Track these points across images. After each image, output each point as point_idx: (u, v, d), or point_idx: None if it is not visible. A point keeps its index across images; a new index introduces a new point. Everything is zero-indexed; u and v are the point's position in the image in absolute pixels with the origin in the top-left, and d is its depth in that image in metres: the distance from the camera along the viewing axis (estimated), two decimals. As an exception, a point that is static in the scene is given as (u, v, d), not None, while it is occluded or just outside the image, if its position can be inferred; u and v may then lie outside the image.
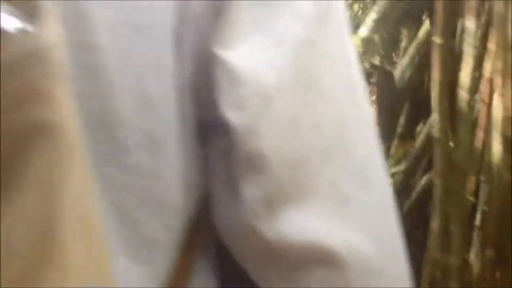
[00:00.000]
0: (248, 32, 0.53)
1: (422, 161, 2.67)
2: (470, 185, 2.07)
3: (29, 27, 0.34)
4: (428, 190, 2.69)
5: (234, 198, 0.55)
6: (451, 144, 2.09)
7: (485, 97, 2.01)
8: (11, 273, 0.33)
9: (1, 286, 0.32)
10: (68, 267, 0.35)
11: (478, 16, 1.92)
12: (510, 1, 1.90)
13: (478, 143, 2.05)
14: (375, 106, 2.65)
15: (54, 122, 0.35)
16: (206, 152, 0.56)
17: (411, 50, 2.62)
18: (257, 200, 0.55)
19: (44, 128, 0.35)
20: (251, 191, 0.54)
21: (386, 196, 0.59)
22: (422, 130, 2.69)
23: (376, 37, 2.33)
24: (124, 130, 0.52)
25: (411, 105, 2.74)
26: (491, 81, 1.99)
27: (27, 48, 0.34)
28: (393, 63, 2.49)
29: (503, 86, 1.92)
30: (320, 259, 0.55)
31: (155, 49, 0.52)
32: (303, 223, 0.55)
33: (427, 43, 2.60)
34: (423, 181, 2.69)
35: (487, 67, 1.99)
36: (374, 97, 2.67)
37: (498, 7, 1.93)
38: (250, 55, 0.53)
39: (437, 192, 2.10)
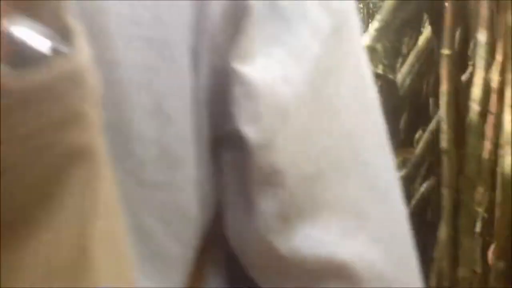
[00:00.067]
0: (265, 46, 0.54)
1: (421, 168, 2.69)
2: (479, 196, 2.07)
3: (63, 48, 0.34)
4: (427, 197, 2.71)
5: (248, 212, 0.55)
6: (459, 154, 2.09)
7: (493, 108, 2.01)
8: None
9: None
10: (100, 285, 0.36)
11: (489, 28, 1.93)
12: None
13: (486, 154, 2.05)
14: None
15: (90, 145, 0.36)
16: (219, 165, 0.56)
17: (411, 58, 2.63)
18: (272, 214, 0.55)
19: (82, 152, 0.35)
20: (266, 205, 0.54)
21: (400, 209, 0.60)
22: (421, 137, 2.70)
23: (379, 46, 2.32)
24: (141, 145, 0.52)
25: (410, 112, 2.75)
26: (499, 92, 2.00)
27: (64, 71, 0.34)
28: (396, 72, 2.49)
29: (512, 97, 1.93)
30: (334, 273, 0.55)
31: (173, 64, 0.52)
32: (317, 237, 0.55)
33: (426, 50, 2.61)
34: (423, 188, 2.70)
35: (495, 78, 2.00)
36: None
37: (507, 18, 1.94)
38: (267, 69, 0.53)
39: (445, 203, 2.11)
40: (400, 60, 2.60)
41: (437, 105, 2.83)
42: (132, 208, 0.52)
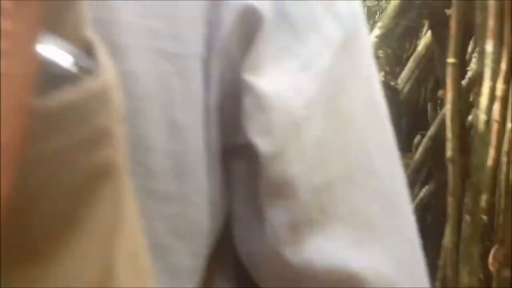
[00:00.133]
0: (277, 58, 0.53)
1: (421, 173, 2.70)
2: (484, 204, 2.09)
3: (89, 64, 0.34)
4: (427, 202, 2.73)
5: (258, 223, 0.55)
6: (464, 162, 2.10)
7: (497, 116, 2.03)
8: None
9: None
10: None
11: (497, 38, 1.94)
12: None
13: (490, 161, 2.06)
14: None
15: (116, 162, 0.36)
16: (229, 177, 0.55)
17: (411, 63, 2.64)
18: (282, 225, 0.54)
19: (108, 169, 0.35)
20: (277, 216, 0.54)
21: (410, 219, 0.59)
22: (420, 143, 2.72)
23: (380, 53, 2.33)
24: (154, 157, 0.52)
25: (408, 117, 2.77)
26: (503, 100, 2.01)
27: (92, 90, 0.33)
28: (397, 78, 2.50)
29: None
30: (345, 284, 0.55)
31: (187, 77, 0.52)
32: (328, 248, 0.55)
33: (426, 56, 2.63)
34: (422, 193, 2.72)
35: (500, 86, 2.01)
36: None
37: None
38: (278, 81, 0.53)
39: (450, 211, 2.12)
40: (402, 67, 2.61)
41: (435, 110, 2.85)
42: (144, 220, 0.51)
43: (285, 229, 0.54)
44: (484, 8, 2.00)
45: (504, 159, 2.05)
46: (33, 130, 0.31)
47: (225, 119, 0.54)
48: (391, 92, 2.41)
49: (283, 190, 0.54)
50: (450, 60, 2.05)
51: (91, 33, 0.35)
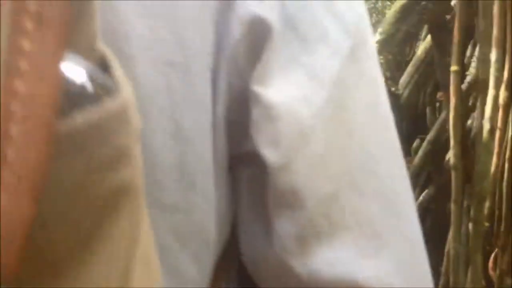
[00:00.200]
0: (285, 68, 0.53)
1: (420, 177, 2.71)
2: (487, 211, 2.09)
3: (107, 82, 0.34)
4: (427, 207, 2.73)
5: (264, 233, 0.55)
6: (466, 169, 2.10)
7: (500, 123, 2.03)
8: None
9: None
10: None
11: (501, 47, 1.94)
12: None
13: (493, 168, 2.07)
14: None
15: (135, 182, 0.36)
16: (235, 186, 0.55)
17: (410, 68, 2.64)
18: (290, 235, 0.54)
19: (128, 187, 0.35)
20: (285, 227, 0.54)
21: (416, 227, 0.59)
22: (419, 146, 2.72)
23: (381, 59, 2.33)
24: (161, 167, 0.51)
25: (408, 121, 2.77)
26: (505, 107, 2.02)
27: (112, 110, 0.33)
28: (398, 84, 2.50)
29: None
30: None
31: (194, 88, 0.52)
32: (335, 259, 0.55)
33: (425, 61, 2.63)
34: (422, 197, 2.72)
35: (502, 93, 2.01)
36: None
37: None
38: (286, 91, 0.53)
39: (453, 219, 2.12)
40: (402, 72, 2.61)
41: (434, 114, 2.86)
42: (152, 230, 0.51)
43: (292, 240, 0.54)
44: (487, 16, 2.00)
45: (506, 165, 2.05)
46: (55, 151, 0.31)
47: (232, 129, 0.54)
48: (392, 98, 2.41)
49: (290, 201, 0.53)
50: (453, 68, 2.05)
51: (103, 46, 0.35)
